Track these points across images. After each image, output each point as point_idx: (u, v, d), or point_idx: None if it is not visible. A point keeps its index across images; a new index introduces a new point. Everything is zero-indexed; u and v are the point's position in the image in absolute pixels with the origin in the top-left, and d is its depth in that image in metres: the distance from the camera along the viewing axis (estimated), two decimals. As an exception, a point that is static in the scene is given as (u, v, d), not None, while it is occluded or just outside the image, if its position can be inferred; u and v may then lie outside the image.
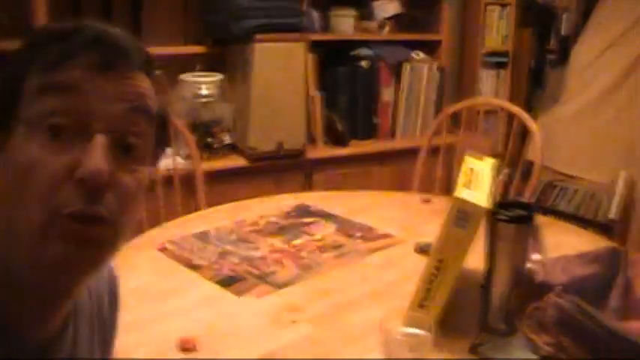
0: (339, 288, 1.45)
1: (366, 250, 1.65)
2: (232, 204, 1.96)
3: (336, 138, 3.00)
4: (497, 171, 1.36)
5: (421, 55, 3.26)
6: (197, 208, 2.13)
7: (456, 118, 2.72)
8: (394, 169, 3.09)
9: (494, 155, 2.90)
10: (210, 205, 2.09)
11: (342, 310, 1.35)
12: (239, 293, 1.40)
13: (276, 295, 1.41)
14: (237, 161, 2.69)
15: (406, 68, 3.17)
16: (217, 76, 2.70)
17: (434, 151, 2.50)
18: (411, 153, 2.66)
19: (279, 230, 1.75)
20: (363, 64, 3.09)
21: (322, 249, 1.65)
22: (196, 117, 2.65)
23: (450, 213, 1.17)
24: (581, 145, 3.38)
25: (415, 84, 3.20)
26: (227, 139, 2.72)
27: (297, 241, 1.69)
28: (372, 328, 1.15)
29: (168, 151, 2.22)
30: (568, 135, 3.43)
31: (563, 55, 3.88)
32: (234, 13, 2.57)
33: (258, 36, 2.58)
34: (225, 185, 2.58)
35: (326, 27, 3.07)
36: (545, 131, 3.24)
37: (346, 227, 1.79)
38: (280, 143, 2.71)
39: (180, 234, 1.70)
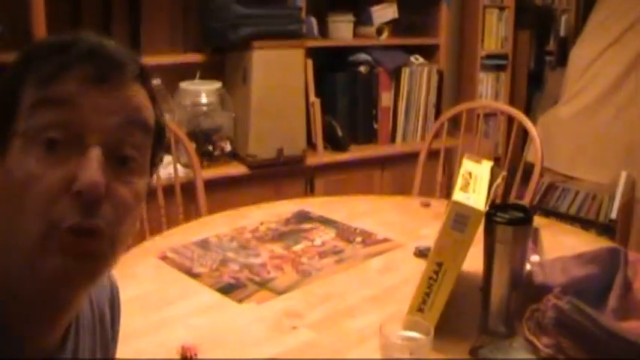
0: (339, 293, 1.45)
1: (366, 255, 1.65)
2: (233, 211, 1.97)
3: (336, 143, 3.00)
4: (495, 174, 1.36)
5: (420, 59, 3.27)
6: (198, 216, 2.14)
7: (455, 121, 2.72)
8: (395, 174, 3.10)
9: (494, 158, 2.89)
10: (211, 212, 2.09)
11: (342, 315, 1.35)
12: (240, 300, 1.41)
13: (276, 301, 1.41)
14: (237, 169, 2.70)
15: (405, 73, 3.18)
16: (217, 84, 2.71)
17: (434, 154, 2.50)
18: (412, 157, 2.66)
19: (280, 236, 1.76)
20: (362, 69, 3.10)
21: (322, 254, 1.65)
22: (196, 125, 2.65)
23: (448, 216, 1.18)
24: (581, 146, 3.39)
25: (414, 88, 3.21)
26: (227, 146, 2.73)
27: (297, 247, 1.69)
28: (373, 332, 1.16)
29: (169, 159, 2.23)
30: (568, 136, 3.43)
31: (562, 57, 3.90)
32: (231, 20, 2.58)
33: (257, 43, 2.59)
34: (225, 193, 2.58)
35: (324, 33, 3.08)
36: (546, 133, 3.25)
37: (346, 232, 1.80)
38: (280, 150, 2.71)
39: (181, 242, 1.70)
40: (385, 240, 1.75)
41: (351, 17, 3.11)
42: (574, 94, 3.49)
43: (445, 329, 1.19)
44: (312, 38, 2.94)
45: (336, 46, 3.10)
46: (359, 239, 1.75)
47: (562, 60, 3.88)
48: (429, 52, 3.31)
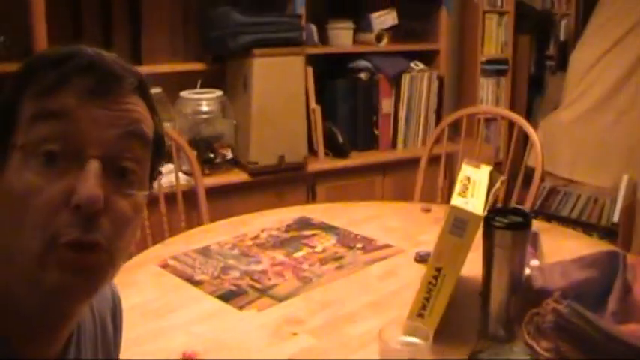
0: (339, 299, 1.46)
1: (367, 261, 1.66)
2: (234, 218, 1.97)
3: (337, 150, 3.01)
4: (494, 178, 1.36)
5: (420, 65, 3.27)
6: (199, 224, 2.14)
7: (456, 126, 2.73)
8: (396, 180, 3.10)
9: (495, 163, 2.90)
10: (212, 220, 2.10)
11: (342, 322, 1.35)
12: (240, 307, 1.41)
13: (277, 308, 1.41)
14: (238, 176, 2.71)
15: (405, 79, 3.18)
16: (217, 92, 2.72)
17: (435, 160, 2.50)
18: (413, 163, 2.67)
19: (280, 243, 1.76)
20: (362, 75, 3.11)
21: (323, 261, 1.65)
22: (197, 133, 2.67)
23: (447, 221, 1.18)
24: (582, 149, 3.39)
25: (415, 94, 3.22)
26: (228, 154, 2.74)
27: (298, 254, 1.70)
28: (373, 338, 1.16)
29: (170, 167, 2.24)
30: (569, 140, 3.43)
31: (563, 61, 3.91)
32: (231, 29, 2.59)
33: (257, 51, 2.60)
34: (227, 200, 2.59)
35: (324, 40, 3.09)
36: (547, 137, 3.26)
37: (347, 239, 1.80)
38: (281, 157, 2.72)
39: (182, 249, 1.71)
40: (386, 246, 1.75)
41: (350, 24, 3.12)
42: (574, 98, 3.49)
43: (445, 334, 1.20)
44: (312, 45, 2.95)
45: (336, 53, 3.11)
46: (360, 245, 1.76)
47: (562, 64, 3.89)
48: (429, 58, 3.32)
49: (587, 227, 3.18)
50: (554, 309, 1.14)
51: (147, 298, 1.45)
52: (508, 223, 1.21)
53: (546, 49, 4.18)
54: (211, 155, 2.69)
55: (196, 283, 1.52)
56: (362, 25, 3.18)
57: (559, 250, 1.60)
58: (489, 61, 3.82)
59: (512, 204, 2.30)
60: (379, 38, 3.16)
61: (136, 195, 0.69)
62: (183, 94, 2.70)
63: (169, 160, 2.25)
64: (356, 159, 3.04)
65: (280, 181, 2.78)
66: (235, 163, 2.76)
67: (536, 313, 1.18)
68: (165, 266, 1.61)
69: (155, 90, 2.43)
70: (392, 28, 3.22)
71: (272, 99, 2.67)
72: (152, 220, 2.07)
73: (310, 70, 2.90)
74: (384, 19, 3.19)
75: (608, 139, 3.30)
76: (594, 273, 1.29)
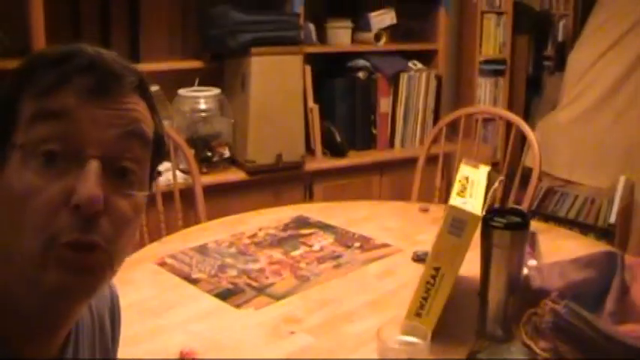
0: (337, 298, 1.46)
1: (364, 260, 1.66)
2: (231, 217, 1.97)
3: (334, 149, 3.01)
4: (492, 178, 1.36)
5: (418, 64, 3.27)
6: (197, 222, 2.14)
7: (454, 126, 2.73)
8: (394, 179, 3.10)
9: (492, 163, 2.90)
10: (210, 218, 2.10)
11: (340, 320, 1.35)
12: (238, 306, 1.41)
13: (274, 307, 1.41)
14: (236, 174, 2.70)
15: (403, 78, 3.18)
16: (215, 91, 2.72)
17: (433, 159, 2.50)
18: (410, 162, 2.66)
19: (278, 242, 1.76)
20: (360, 75, 3.11)
21: (320, 260, 1.65)
22: (195, 131, 2.66)
23: (445, 221, 1.18)
24: (580, 150, 3.39)
25: (413, 93, 3.22)
26: (226, 152, 2.73)
27: (296, 253, 1.69)
28: (371, 337, 1.16)
29: (168, 165, 2.23)
30: (567, 141, 3.43)
31: (561, 61, 3.91)
32: (230, 27, 2.59)
33: (255, 49, 2.60)
34: (224, 198, 2.59)
35: (322, 39, 3.09)
36: (544, 137, 3.26)
37: (344, 238, 1.80)
38: (279, 156, 2.72)
39: (180, 248, 1.71)
40: (383, 245, 1.75)
41: (349, 23, 3.12)
42: (572, 98, 3.49)
43: (443, 334, 1.19)
44: (311, 44, 2.95)
45: (334, 52, 3.11)
46: (357, 244, 1.75)
47: (560, 65, 3.88)
48: (427, 58, 3.32)
49: (584, 228, 3.18)
50: (552, 309, 1.14)
51: (144, 297, 1.44)
52: (506, 223, 1.21)
53: (544, 49, 4.18)
54: (209, 153, 2.68)
55: (194, 282, 1.52)
56: (360, 25, 3.18)
57: (557, 251, 1.60)
58: (487, 61, 3.82)
59: (510, 204, 2.31)
60: (377, 37, 3.16)
61: (135, 195, 0.68)
62: (181, 92, 2.69)
63: (167, 158, 2.24)
64: (353, 158, 3.04)
65: (278, 180, 2.78)
66: (233, 162, 2.76)
67: (534, 314, 1.18)
68: (162, 264, 1.61)
69: (153, 88, 2.42)
70: (390, 28, 3.21)
71: (270, 97, 2.67)
72: (149, 218, 2.07)
73: (308, 68, 2.90)
74: (383, 18, 3.18)
75: (606, 139, 3.30)
76: (592, 273, 1.29)
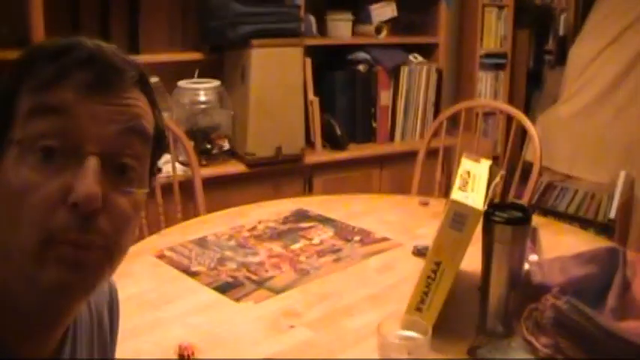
0: (337, 292, 1.45)
1: (364, 254, 1.65)
2: (231, 210, 1.96)
3: (334, 142, 3.00)
4: (494, 173, 1.36)
5: (419, 58, 3.26)
6: (196, 215, 2.13)
7: (454, 120, 2.72)
8: (394, 172, 3.09)
9: (493, 157, 2.89)
10: (209, 211, 2.09)
11: (340, 315, 1.35)
12: (237, 299, 1.40)
13: (274, 300, 1.41)
14: (235, 167, 2.69)
15: (404, 71, 3.17)
16: (215, 83, 2.71)
17: (433, 153, 2.50)
18: (410, 156, 2.66)
19: (278, 235, 1.75)
20: (361, 68, 3.10)
21: (320, 253, 1.65)
22: (194, 123, 2.65)
23: (447, 215, 1.17)
24: (580, 145, 3.38)
25: (413, 87, 3.21)
26: (225, 145, 2.72)
27: (296, 246, 1.69)
28: (370, 332, 1.15)
29: (167, 157, 2.22)
30: (567, 135, 3.43)
31: (561, 56, 3.89)
32: (230, 19, 2.58)
33: (255, 41, 2.59)
34: (224, 191, 2.58)
35: (323, 31, 3.08)
36: (545, 132, 3.25)
37: (344, 231, 1.79)
38: (279, 148, 2.71)
39: (179, 240, 1.70)
40: (383, 239, 1.74)
41: (349, 16, 3.11)
42: (573, 93, 3.48)
43: (443, 329, 1.19)
44: (311, 37, 2.94)
45: (334, 45, 3.10)
46: (357, 238, 1.75)
47: (561, 59, 3.87)
48: (428, 51, 3.31)
49: (584, 223, 3.17)
50: (553, 305, 1.13)
51: (143, 289, 1.44)
52: (508, 217, 1.21)
53: (545, 43, 4.16)
54: (208, 146, 2.68)
55: (193, 275, 1.51)
56: (361, 17, 3.16)
57: (557, 246, 1.59)
58: (488, 55, 3.81)
59: (510, 198, 2.30)
60: (378, 30, 3.14)
61: (135, 193, 0.67)
62: (181, 83, 2.68)
63: (166, 150, 2.23)
64: (353, 151, 3.03)
65: (277, 173, 2.77)
66: (232, 154, 2.75)
67: (535, 309, 1.18)
68: (161, 257, 1.60)
69: (153, 79, 2.41)
70: (391, 21, 3.20)
71: (270, 90, 2.66)
72: (148, 210, 2.06)
73: (309, 61, 2.88)
74: (383, 11, 3.17)
75: (607, 134, 3.30)
76: (594, 269, 1.28)
